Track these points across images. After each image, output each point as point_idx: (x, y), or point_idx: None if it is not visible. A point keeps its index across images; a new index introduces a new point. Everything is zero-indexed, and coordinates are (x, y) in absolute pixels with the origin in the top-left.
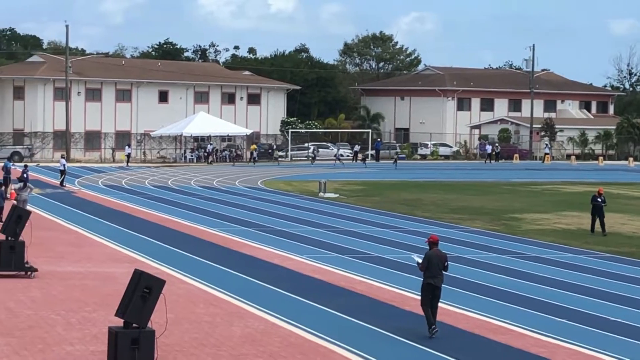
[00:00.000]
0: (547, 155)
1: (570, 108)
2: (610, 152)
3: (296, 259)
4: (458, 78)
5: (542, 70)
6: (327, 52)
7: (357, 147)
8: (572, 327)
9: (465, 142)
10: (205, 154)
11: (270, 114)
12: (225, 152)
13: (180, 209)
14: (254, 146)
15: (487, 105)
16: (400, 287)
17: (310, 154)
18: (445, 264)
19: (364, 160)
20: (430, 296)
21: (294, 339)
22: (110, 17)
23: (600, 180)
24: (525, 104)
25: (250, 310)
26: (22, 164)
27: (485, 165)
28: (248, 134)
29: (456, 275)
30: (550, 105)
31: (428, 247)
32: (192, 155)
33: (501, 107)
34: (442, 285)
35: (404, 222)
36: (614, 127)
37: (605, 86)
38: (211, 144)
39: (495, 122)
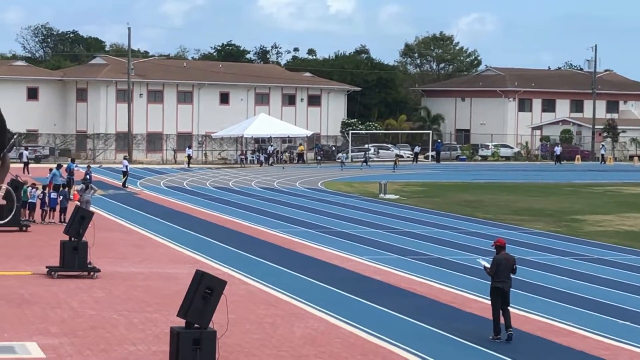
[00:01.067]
0: (608, 157)
1: (633, 109)
2: None
3: (356, 260)
4: (519, 79)
5: (605, 70)
6: (386, 53)
7: (417, 149)
8: (634, 329)
9: (526, 143)
10: (266, 156)
11: (330, 115)
12: (286, 153)
13: (241, 210)
14: (302, 147)
15: (548, 106)
16: (461, 289)
17: (339, 159)
18: (514, 267)
19: (397, 162)
20: (500, 301)
21: (354, 340)
22: (170, 19)
23: None
24: (588, 104)
25: (311, 311)
26: (85, 165)
27: (547, 167)
28: (308, 135)
29: (518, 277)
30: (612, 106)
31: (495, 251)
32: (252, 157)
33: (563, 108)
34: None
35: (465, 224)
36: None
37: None
38: (272, 146)
39: (556, 123)
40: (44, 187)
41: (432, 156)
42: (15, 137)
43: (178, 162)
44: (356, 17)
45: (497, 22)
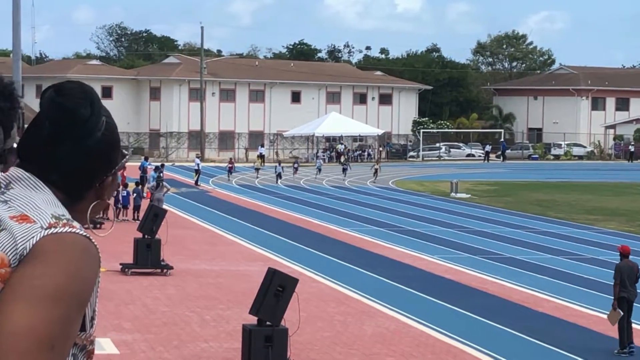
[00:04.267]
0: None
1: None
2: None
3: (427, 259)
4: (592, 77)
5: None
6: (456, 52)
7: (488, 147)
8: None
9: (599, 142)
10: (337, 154)
11: (401, 114)
12: (357, 152)
13: (313, 208)
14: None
15: (622, 105)
16: (533, 288)
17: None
18: (638, 275)
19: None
20: (625, 312)
21: (425, 339)
22: (238, 18)
23: None
24: None
25: (382, 309)
26: (158, 163)
27: (621, 166)
28: (379, 134)
29: (591, 277)
30: None
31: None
32: (324, 155)
33: (637, 106)
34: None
35: (537, 223)
36: None
37: None
38: (342, 144)
39: (630, 122)
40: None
41: (503, 155)
42: (127, 156)
43: (250, 161)
44: (424, 16)
45: (567, 20)
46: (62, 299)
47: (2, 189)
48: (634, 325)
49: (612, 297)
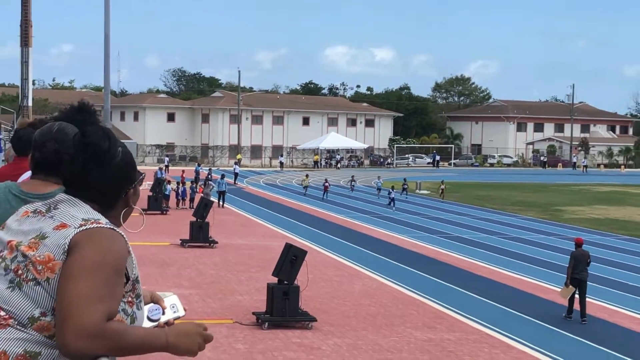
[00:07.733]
0: (583, 167)
1: (600, 130)
2: (630, 162)
3: (399, 237)
4: (517, 108)
5: (580, 102)
6: (420, 89)
7: (437, 157)
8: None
9: (522, 154)
10: (335, 162)
11: (381, 134)
12: (352, 160)
13: (318, 200)
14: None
15: (538, 128)
16: (473, 258)
17: (349, 184)
18: (588, 260)
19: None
20: (577, 290)
21: (398, 294)
22: (263, 64)
23: (623, 183)
24: (567, 127)
25: (364, 271)
26: (207, 167)
27: (537, 172)
28: (365, 147)
29: (516, 251)
30: (585, 128)
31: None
32: (325, 163)
33: (549, 129)
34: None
35: (477, 212)
36: (632, 144)
37: (626, 114)
38: (339, 155)
39: (544, 140)
40: (177, 183)
41: (453, 163)
42: (143, 175)
43: (273, 166)
44: (396, 63)
45: (498, 66)
46: (100, 269)
47: (52, 210)
48: (587, 299)
49: (565, 276)
